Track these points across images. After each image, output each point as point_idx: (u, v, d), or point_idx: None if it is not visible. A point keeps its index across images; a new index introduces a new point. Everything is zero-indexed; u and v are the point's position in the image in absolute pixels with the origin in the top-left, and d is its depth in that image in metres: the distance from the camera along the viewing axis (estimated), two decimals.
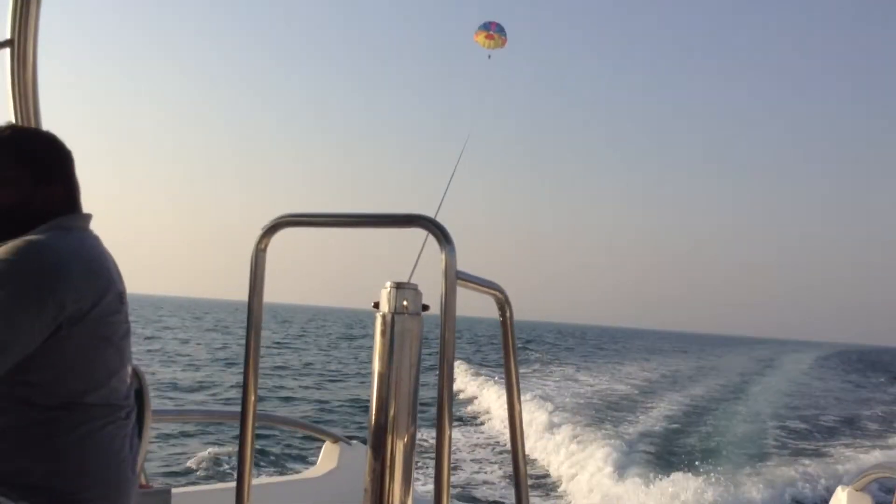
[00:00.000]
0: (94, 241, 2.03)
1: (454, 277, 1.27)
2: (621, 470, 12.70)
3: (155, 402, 2.48)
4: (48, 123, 2.88)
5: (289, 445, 14.02)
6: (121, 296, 2.01)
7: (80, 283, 1.86)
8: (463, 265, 1.35)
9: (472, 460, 14.40)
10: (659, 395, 25.13)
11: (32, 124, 2.86)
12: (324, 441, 5.31)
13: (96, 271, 1.93)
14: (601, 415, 19.10)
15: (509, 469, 2.00)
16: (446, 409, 1.28)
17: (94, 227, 2.11)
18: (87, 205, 2.14)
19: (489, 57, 14.07)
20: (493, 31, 14.10)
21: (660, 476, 12.17)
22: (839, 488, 4.66)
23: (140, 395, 2.31)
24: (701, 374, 37.89)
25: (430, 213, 1.33)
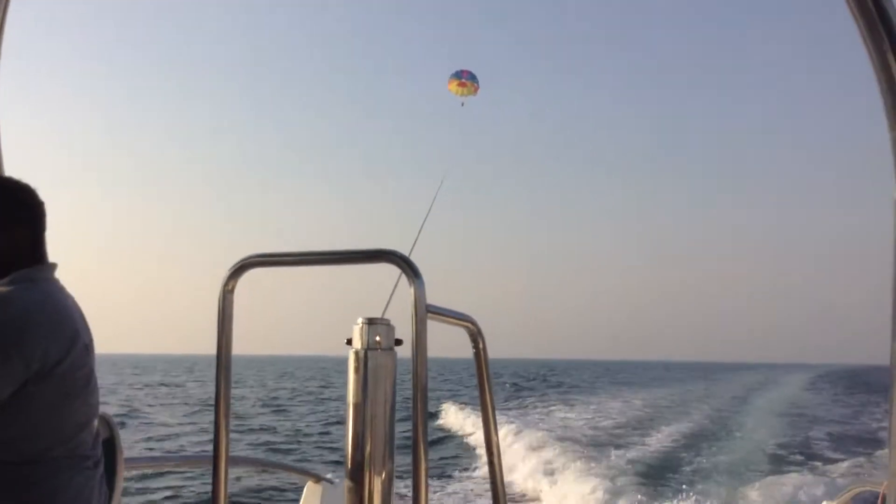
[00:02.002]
0: (60, 293, 2.00)
1: (424, 311, 1.27)
2: (607, 499, 12.64)
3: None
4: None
5: (270, 486, 13.81)
6: (87, 347, 1.98)
7: (47, 338, 1.83)
8: (442, 302, 1.35)
9: (452, 492, 14.27)
10: (647, 426, 25.14)
11: None
12: (306, 481, 5.24)
13: (62, 325, 1.90)
14: (586, 448, 19.04)
15: (489, 500, 1.97)
16: (422, 443, 1.27)
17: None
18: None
19: (462, 104, 14.29)
20: (465, 78, 14.32)
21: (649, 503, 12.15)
22: (823, 503, 4.68)
23: (112, 443, 2.28)
24: (691, 402, 38.04)
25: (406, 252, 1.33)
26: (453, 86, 14.11)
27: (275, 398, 41.54)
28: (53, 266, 2.06)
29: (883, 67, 0.77)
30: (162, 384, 53.05)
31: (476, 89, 14.22)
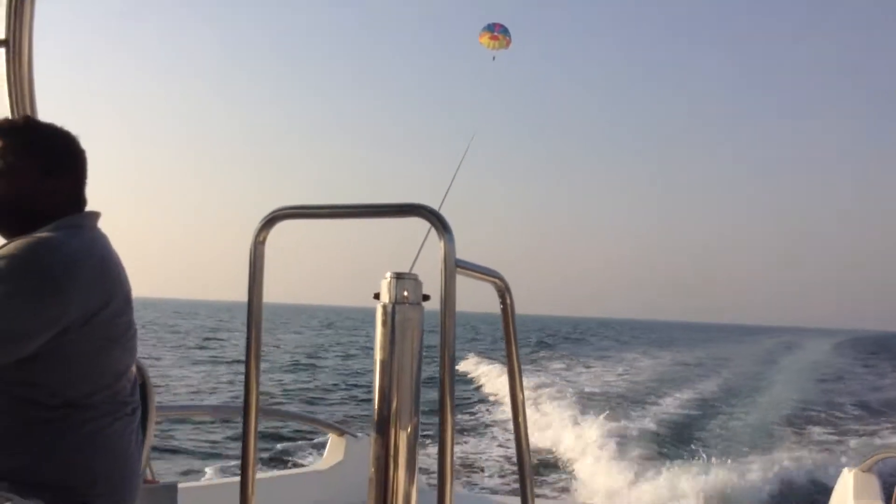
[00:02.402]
0: (104, 241, 2.02)
1: (453, 266, 1.26)
2: (628, 457, 12.73)
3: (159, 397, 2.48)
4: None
5: (296, 438, 14.06)
6: (127, 297, 2.01)
7: (90, 284, 1.85)
8: (469, 258, 1.34)
9: (476, 448, 14.44)
10: (671, 386, 25.15)
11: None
12: (329, 434, 5.33)
13: (105, 273, 1.92)
14: (610, 404, 19.13)
15: (513, 456, 1.99)
16: (448, 398, 1.27)
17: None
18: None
19: (494, 58, 14.07)
20: (497, 31, 14.08)
21: (669, 463, 12.21)
22: (845, 470, 4.68)
23: (144, 390, 2.32)
24: (714, 364, 37.92)
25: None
26: (485, 39, 13.89)
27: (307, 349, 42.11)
28: (97, 215, 2.07)
29: None
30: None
31: (508, 42, 13.99)
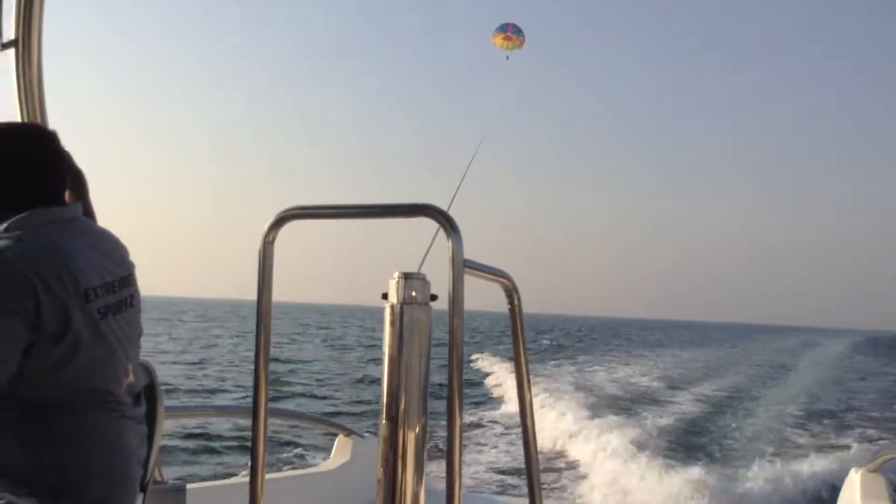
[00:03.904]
0: (70, 237, 1.95)
1: (461, 266, 1.26)
2: (639, 459, 12.68)
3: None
4: (55, 123, 2.89)
5: (304, 439, 14.08)
6: (108, 287, 1.96)
7: (52, 286, 1.80)
8: (481, 257, 1.34)
9: (484, 448, 14.42)
10: (686, 386, 25.10)
11: (38, 121, 2.86)
12: (337, 435, 5.33)
13: (69, 272, 1.85)
14: (620, 405, 19.10)
15: (522, 457, 1.98)
16: (456, 398, 1.27)
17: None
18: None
19: (507, 58, 14.08)
20: (511, 32, 14.10)
21: (679, 464, 12.18)
22: (853, 470, 4.65)
23: (152, 391, 2.32)
24: (731, 364, 37.83)
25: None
26: (498, 39, 13.92)
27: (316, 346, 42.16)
28: (70, 208, 2.02)
29: None
30: None
31: (522, 43, 14.02)
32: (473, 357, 33.75)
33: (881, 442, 15.52)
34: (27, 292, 1.76)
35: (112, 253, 2.08)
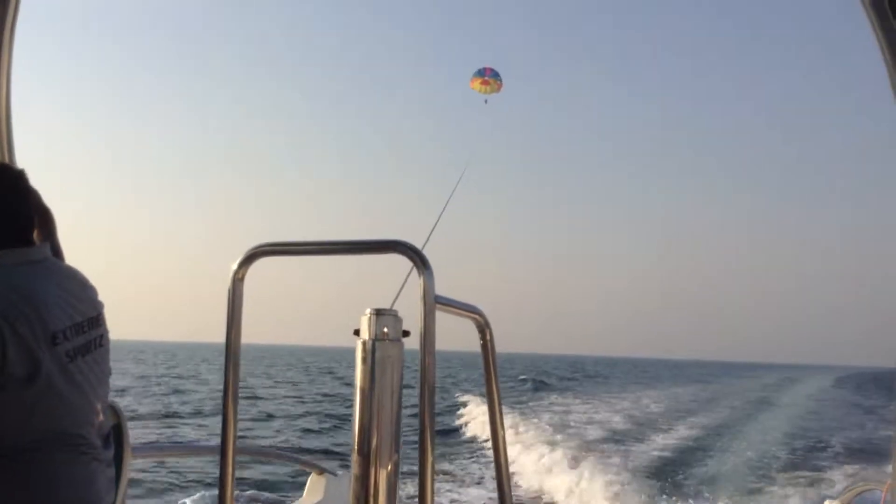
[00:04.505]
0: (19, 280, 1.91)
1: (433, 302, 1.27)
2: (616, 497, 12.64)
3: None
4: (23, 160, 2.86)
5: (274, 477, 13.86)
6: (77, 328, 1.94)
7: (19, 329, 1.78)
8: (459, 294, 1.35)
9: (459, 485, 14.29)
10: (666, 424, 25.13)
11: (6, 159, 2.83)
12: (309, 473, 5.26)
13: (37, 315, 1.84)
14: (597, 444, 19.05)
15: (495, 491, 1.98)
16: (428, 435, 1.27)
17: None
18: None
19: (486, 101, 14.30)
20: (489, 76, 14.34)
21: (662, 501, 12.17)
22: (826, 502, 4.68)
23: (119, 432, 2.28)
24: (709, 401, 38.05)
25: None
26: (476, 84, 14.13)
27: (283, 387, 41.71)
28: (35, 250, 1.99)
29: (889, 45, 0.77)
30: None
31: (499, 86, 14.25)
32: (454, 393, 33.57)
33: (859, 474, 15.64)
34: (10, 333, 1.75)
35: (81, 293, 2.05)
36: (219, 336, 1.43)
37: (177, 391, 36.59)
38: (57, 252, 2.24)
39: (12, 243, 1.94)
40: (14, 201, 1.99)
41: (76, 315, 1.97)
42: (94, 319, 2.04)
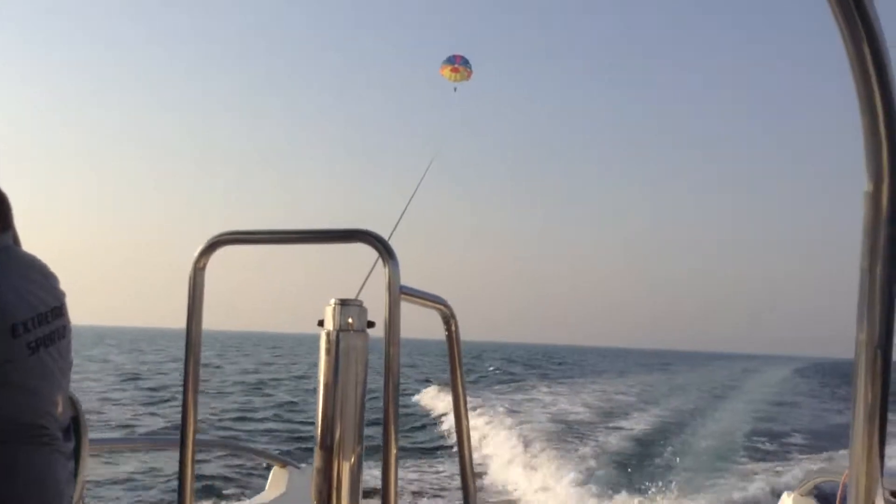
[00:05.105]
0: (1, 269, 1.88)
1: (398, 292, 1.26)
2: (577, 487, 12.77)
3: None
4: None
5: (236, 470, 13.75)
6: (39, 319, 1.89)
7: None
8: (429, 283, 1.34)
9: (422, 476, 14.32)
10: (624, 414, 25.36)
11: None
12: (273, 466, 5.22)
13: None
14: (562, 434, 19.19)
15: (458, 484, 1.99)
16: (392, 426, 1.26)
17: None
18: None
19: (455, 89, 14.30)
20: (459, 63, 14.33)
21: (618, 492, 12.30)
22: (785, 494, 4.76)
23: (76, 423, 2.24)
24: (669, 390, 38.50)
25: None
26: (446, 71, 14.10)
27: (249, 376, 41.42)
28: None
29: (857, 58, 0.78)
30: None
31: (469, 74, 14.24)
32: (417, 386, 33.60)
33: (814, 466, 15.97)
34: None
35: (43, 282, 2.00)
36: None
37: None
38: (15, 240, 2.18)
39: None
40: None
41: (40, 305, 1.91)
42: (57, 310, 1.99)
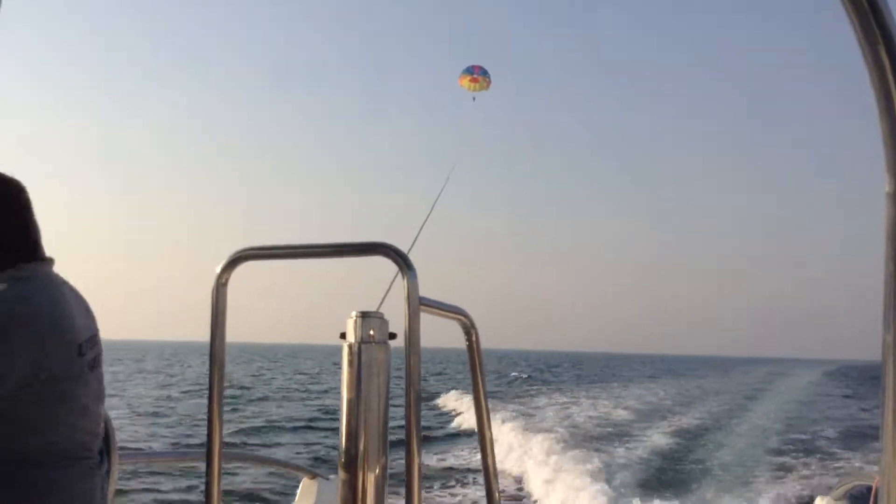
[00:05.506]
0: (56, 290, 1.93)
1: (417, 304, 1.27)
2: (606, 494, 12.64)
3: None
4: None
5: (263, 482, 13.79)
6: (84, 346, 1.93)
7: (32, 338, 1.78)
8: (447, 296, 1.35)
9: (447, 486, 14.28)
10: (655, 420, 25.16)
11: None
12: (301, 477, 5.23)
13: (54, 324, 1.84)
14: (589, 442, 19.04)
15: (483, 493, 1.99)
16: (415, 438, 1.26)
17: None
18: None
19: (474, 99, 14.37)
20: (477, 73, 14.40)
21: (650, 499, 12.19)
22: (818, 498, 4.69)
23: (106, 438, 2.27)
24: (701, 396, 38.17)
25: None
26: (465, 81, 14.18)
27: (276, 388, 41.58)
28: (50, 262, 1.99)
29: (875, 60, 0.77)
30: None
31: (488, 84, 14.32)
32: (445, 394, 33.59)
33: (853, 469, 15.73)
34: (24, 338, 1.75)
35: (87, 309, 2.05)
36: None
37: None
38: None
39: (29, 258, 1.93)
40: (26, 216, 1.96)
41: (92, 327, 1.99)
42: (95, 337, 2.04)
